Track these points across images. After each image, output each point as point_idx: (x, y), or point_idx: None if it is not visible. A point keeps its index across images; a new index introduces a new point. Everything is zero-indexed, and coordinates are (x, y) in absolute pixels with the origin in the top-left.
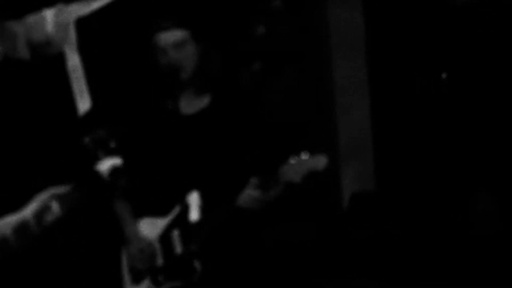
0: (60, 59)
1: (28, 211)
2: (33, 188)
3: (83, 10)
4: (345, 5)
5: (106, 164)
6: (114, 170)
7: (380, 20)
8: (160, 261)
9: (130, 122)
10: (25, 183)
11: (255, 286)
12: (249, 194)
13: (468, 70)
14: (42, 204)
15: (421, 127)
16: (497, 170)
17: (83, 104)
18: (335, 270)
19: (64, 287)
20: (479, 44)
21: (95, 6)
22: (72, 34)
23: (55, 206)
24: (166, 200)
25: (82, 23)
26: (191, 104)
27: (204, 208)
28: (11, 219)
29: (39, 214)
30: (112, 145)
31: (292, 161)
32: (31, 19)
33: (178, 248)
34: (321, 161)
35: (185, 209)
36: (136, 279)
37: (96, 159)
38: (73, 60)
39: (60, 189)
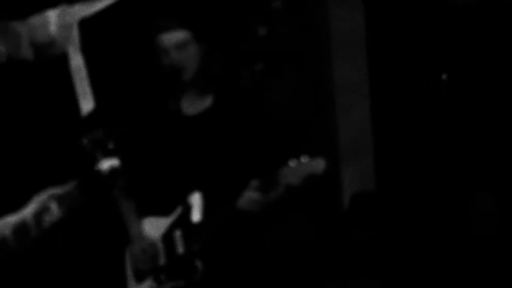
0: (63, 59)
1: (27, 211)
2: (32, 188)
3: (86, 10)
4: (345, 5)
5: (104, 165)
6: (113, 171)
7: (380, 20)
8: (162, 261)
9: (133, 122)
10: (25, 183)
11: (256, 286)
12: (250, 196)
13: (468, 70)
14: (41, 204)
15: (421, 127)
16: (497, 170)
17: (86, 104)
18: (335, 270)
19: (65, 287)
20: (479, 44)
21: (98, 7)
22: (76, 35)
23: (54, 207)
24: (168, 201)
25: (86, 24)
26: (193, 105)
27: (206, 209)
28: (11, 220)
29: (38, 215)
30: (111, 146)
31: (292, 163)
32: (34, 19)
33: (180, 248)
34: (320, 165)
35: (187, 209)
36: (139, 278)
37: (95, 160)
38: (77, 61)
39: (59, 190)
